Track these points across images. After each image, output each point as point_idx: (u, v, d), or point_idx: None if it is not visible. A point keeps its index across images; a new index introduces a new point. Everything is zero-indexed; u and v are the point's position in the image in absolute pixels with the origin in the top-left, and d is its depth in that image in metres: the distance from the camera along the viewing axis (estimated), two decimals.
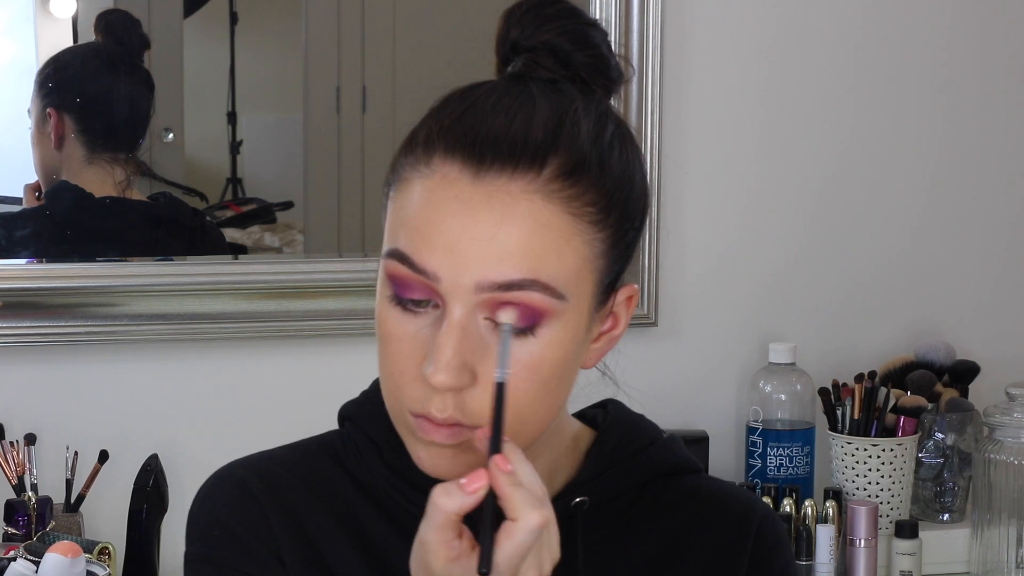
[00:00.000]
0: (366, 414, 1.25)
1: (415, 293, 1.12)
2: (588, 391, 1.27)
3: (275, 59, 2.46)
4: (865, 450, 2.37)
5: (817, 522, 2.28)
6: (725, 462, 2.46)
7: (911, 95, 2.55)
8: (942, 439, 2.43)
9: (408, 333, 1.12)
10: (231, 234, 2.38)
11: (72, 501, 2.14)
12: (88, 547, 1.99)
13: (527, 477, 1.06)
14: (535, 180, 1.10)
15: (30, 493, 2.08)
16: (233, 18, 2.39)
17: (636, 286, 1.22)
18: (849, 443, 2.38)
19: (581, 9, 1.19)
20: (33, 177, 2.27)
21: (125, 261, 2.27)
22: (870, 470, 2.37)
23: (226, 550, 1.21)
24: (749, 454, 2.42)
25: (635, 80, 2.37)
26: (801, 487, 2.35)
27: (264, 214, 2.40)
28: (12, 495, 2.09)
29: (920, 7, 2.54)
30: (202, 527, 1.24)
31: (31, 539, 2.00)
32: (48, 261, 2.25)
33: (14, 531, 2.04)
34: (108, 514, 2.17)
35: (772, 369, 2.43)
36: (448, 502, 1.05)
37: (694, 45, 2.44)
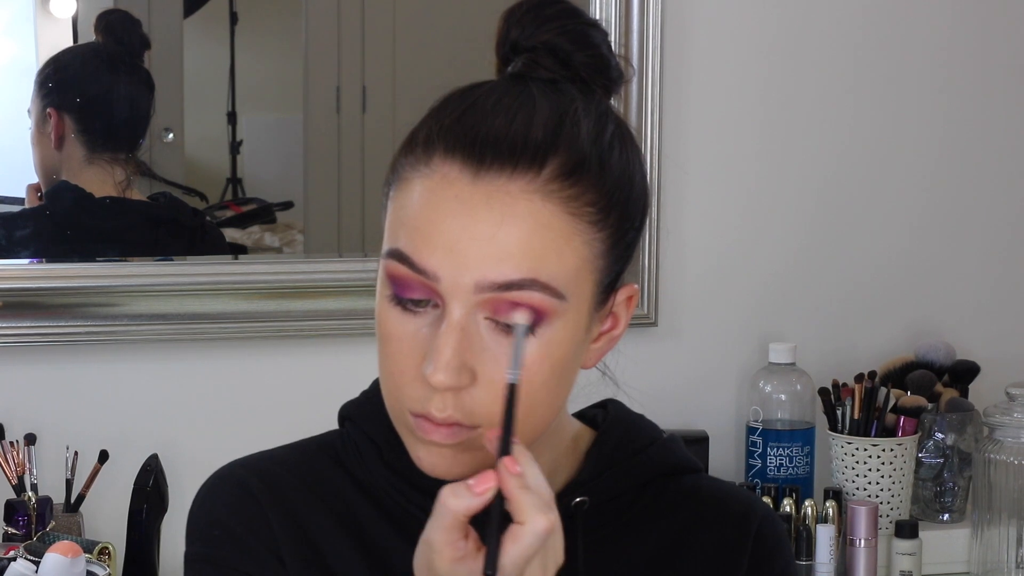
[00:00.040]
0: (366, 414, 1.25)
1: (415, 293, 1.12)
2: (588, 391, 1.27)
3: (275, 59, 2.46)
4: (865, 450, 2.37)
5: (817, 522, 2.28)
6: (725, 462, 2.46)
7: (911, 95, 2.55)
8: (942, 439, 2.43)
9: (408, 333, 1.12)
10: (231, 234, 2.38)
11: (72, 501, 2.14)
12: (88, 547, 1.99)
13: (535, 480, 1.06)
14: (535, 180, 1.10)
15: (30, 493, 2.08)
16: (233, 18, 2.39)
17: (636, 286, 1.22)
18: (849, 443, 2.38)
19: (581, 9, 1.19)
20: (34, 177, 2.27)
21: (125, 261, 2.27)
22: (870, 470, 2.37)
23: (226, 550, 1.21)
24: (749, 454, 2.42)
25: (635, 80, 2.37)
26: (801, 487, 2.35)
27: (264, 214, 2.40)
28: (12, 495, 2.09)
29: (920, 7, 2.54)
30: (202, 527, 1.24)
31: (31, 539, 2.00)
32: (48, 261, 2.25)
33: (14, 531, 2.04)
34: (108, 514, 2.17)
35: (772, 369, 2.43)
36: (456, 503, 1.05)
37: (694, 45, 2.44)
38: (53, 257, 2.26)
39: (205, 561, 1.22)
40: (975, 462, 2.41)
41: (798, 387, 2.42)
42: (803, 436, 2.41)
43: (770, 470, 2.39)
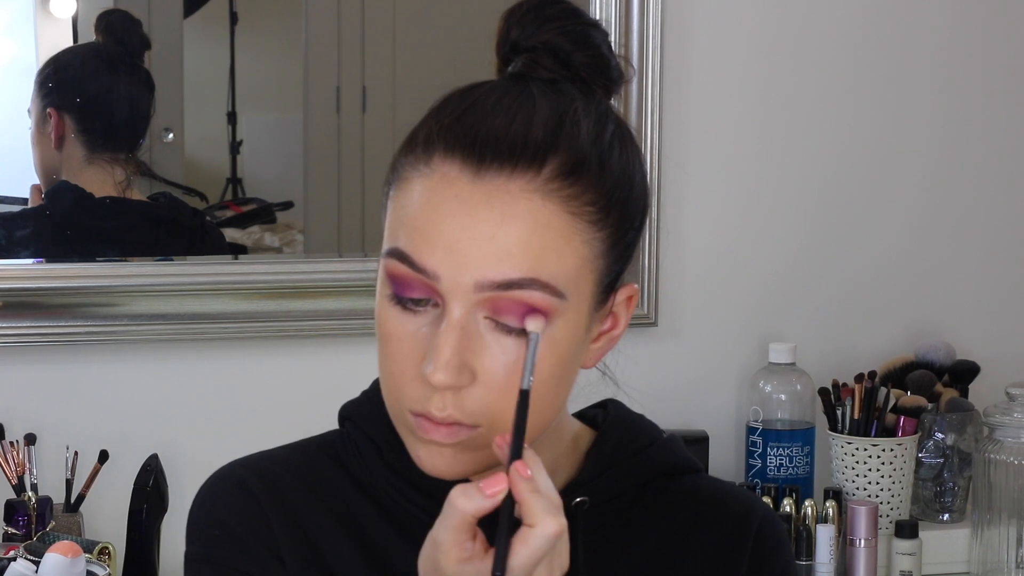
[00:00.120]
0: (366, 414, 1.25)
1: (415, 292, 1.12)
2: (588, 391, 1.27)
3: (275, 59, 2.46)
4: (865, 450, 2.37)
5: (817, 522, 2.28)
6: (725, 462, 2.46)
7: (911, 95, 2.55)
8: (942, 439, 2.43)
9: (408, 332, 1.12)
10: (231, 234, 2.38)
11: (72, 501, 2.14)
12: (88, 547, 1.99)
13: (545, 484, 1.06)
14: (535, 179, 1.10)
15: (30, 493, 2.08)
16: (233, 18, 2.39)
17: (636, 286, 1.22)
18: (849, 443, 2.38)
19: (581, 9, 1.19)
20: (34, 177, 2.27)
21: (125, 261, 2.27)
22: (870, 470, 2.37)
23: (226, 550, 1.21)
24: (749, 454, 2.42)
25: (635, 80, 2.37)
26: (801, 487, 2.35)
27: (264, 214, 2.40)
28: (12, 495, 2.09)
29: (920, 7, 2.54)
30: (202, 527, 1.24)
31: (31, 539, 2.00)
32: (48, 261, 2.25)
33: (14, 531, 2.04)
34: (108, 514, 2.17)
35: (772, 369, 2.43)
36: (466, 503, 1.05)
37: (694, 45, 2.44)
38: (53, 257, 2.26)
39: (205, 561, 1.22)
40: (975, 462, 2.41)
41: (798, 387, 2.42)
42: (803, 436, 2.41)
43: (770, 470, 2.39)
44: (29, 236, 2.25)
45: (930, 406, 2.42)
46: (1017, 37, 2.59)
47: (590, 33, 1.17)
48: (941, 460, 2.44)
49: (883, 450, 2.37)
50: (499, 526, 1.05)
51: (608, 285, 1.16)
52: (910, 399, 2.40)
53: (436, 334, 1.10)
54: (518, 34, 1.16)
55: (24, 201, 2.27)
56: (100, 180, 2.28)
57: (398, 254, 1.12)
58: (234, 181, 2.42)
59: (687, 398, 2.47)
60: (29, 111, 2.25)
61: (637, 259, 2.33)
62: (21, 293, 2.20)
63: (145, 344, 2.25)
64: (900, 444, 2.37)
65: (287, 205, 2.42)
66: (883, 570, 2.33)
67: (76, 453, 2.15)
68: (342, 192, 2.41)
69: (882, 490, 2.37)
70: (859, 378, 2.38)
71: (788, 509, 2.27)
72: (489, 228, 1.09)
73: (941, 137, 2.57)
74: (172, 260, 2.29)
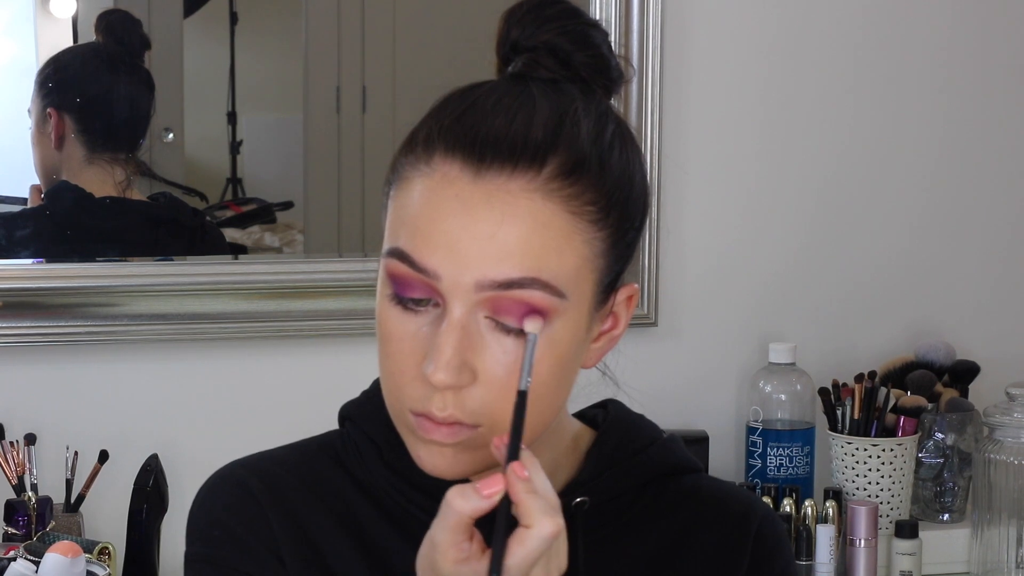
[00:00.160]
0: (366, 414, 1.25)
1: (415, 292, 1.12)
2: (588, 391, 1.27)
3: (275, 59, 2.46)
4: (865, 450, 2.37)
5: (817, 522, 2.28)
6: (725, 462, 2.46)
7: (911, 95, 2.55)
8: (942, 439, 2.43)
9: (408, 332, 1.12)
10: (231, 234, 2.38)
11: (72, 501, 2.14)
12: (88, 547, 1.99)
13: (542, 485, 1.06)
14: (535, 179, 1.10)
15: (30, 493, 2.08)
16: (233, 18, 2.39)
17: (636, 286, 1.22)
18: (849, 443, 2.38)
19: (581, 9, 1.19)
20: (34, 177, 2.27)
21: (125, 261, 2.27)
22: (870, 470, 2.37)
23: (226, 550, 1.21)
24: (749, 454, 2.42)
25: (635, 80, 2.37)
26: (801, 487, 2.35)
27: (264, 214, 2.40)
28: (12, 495, 2.09)
29: (920, 7, 2.54)
30: (202, 527, 1.24)
31: (31, 539, 2.00)
32: (48, 261, 2.25)
33: (14, 531, 2.04)
34: (108, 514, 2.17)
35: (772, 369, 2.43)
36: (463, 504, 1.05)
37: (694, 45, 2.44)
38: (53, 257, 2.26)
39: (205, 561, 1.22)
40: (975, 462, 2.41)
41: (798, 387, 2.42)
42: (803, 436, 2.41)
43: (770, 470, 2.39)
44: (29, 236, 2.25)
45: (930, 406, 2.42)
46: (1017, 37, 2.59)
47: (590, 33, 1.17)
48: (941, 460, 2.44)
49: (883, 450, 2.37)
50: (495, 527, 1.05)
51: (608, 285, 1.16)
52: (910, 399, 2.40)
53: (437, 334, 1.10)
54: (518, 34, 1.16)
55: (24, 201, 2.27)
56: (100, 180, 2.28)
57: (399, 254, 1.12)
58: (234, 181, 2.42)
59: (687, 398, 2.47)
60: (29, 111, 2.25)
61: (637, 259, 2.33)
62: (21, 293, 2.20)
63: (145, 344, 2.25)
64: (900, 444, 2.37)
65: (287, 205, 2.42)
66: (883, 570, 2.33)
67: (76, 453, 2.15)
68: (342, 192, 2.41)
69: (882, 490, 2.37)
70: (859, 378, 2.38)
71: (788, 509, 2.27)
72: (489, 227, 1.09)
73: (941, 137, 2.57)
74: (172, 260, 2.29)
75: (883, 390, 2.39)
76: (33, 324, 2.20)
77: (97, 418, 2.23)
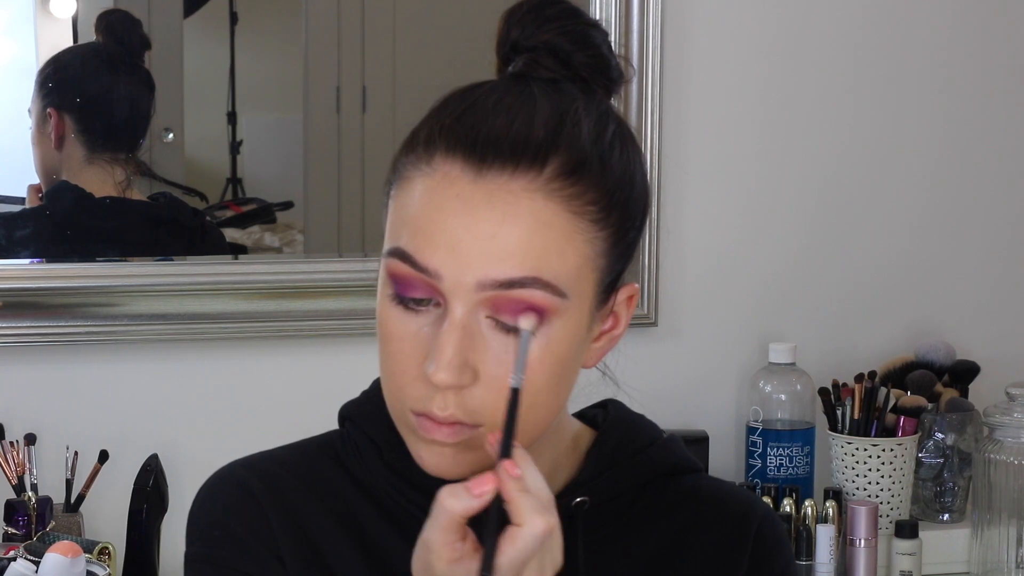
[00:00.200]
0: (366, 414, 1.25)
1: (416, 292, 1.12)
2: (588, 391, 1.27)
3: (275, 59, 2.46)
4: (865, 450, 2.37)
5: (817, 522, 2.28)
6: (725, 462, 2.46)
7: (911, 95, 2.55)
8: (942, 439, 2.43)
9: (409, 332, 1.12)
10: (231, 234, 2.38)
11: (72, 501, 2.14)
12: (88, 547, 1.99)
13: (534, 483, 1.06)
14: (536, 179, 1.10)
15: (30, 493, 2.08)
16: (233, 18, 2.39)
17: (636, 285, 1.22)
18: (849, 443, 2.38)
19: (581, 9, 1.19)
20: (34, 177, 2.27)
21: (125, 261, 2.27)
22: (870, 470, 2.37)
23: (226, 550, 1.21)
24: (749, 454, 2.42)
25: (635, 80, 2.37)
26: (801, 487, 2.35)
27: (264, 214, 2.40)
28: (12, 495, 2.09)
29: (920, 7, 2.54)
30: (202, 527, 1.24)
31: (31, 539, 2.00)
32: (48, 261, 2.25)
33: (14, 531, 2.04)
34: (108, 514, 2.17)
35: (772, 369, 2.43)
36: (455, 504, 1.05)
37: (694, 45, 2.44)
38: (53, 257, 2.26)
39: (205, 561, 1.22)
40: (975, 462, 2.41)
41: (798, 387, 2.42)
42: (803, 436, 2.41)
43: (770, 470, 2.39)
44: (29, 236, 2.25)
45: (930, 406, 2.42)
46: (1017, 37, 2.59)
47: (590, 33, 1.17)
48: (941, 460, 2.44)
49: (883, 450, 2.37)
50: (486, 526, 1.04)
51: (609, 284, 1.16)
52: (910, 399, 2.40)
53: (438, 333, 1.10)
54: (518, 34, 1.17)
55: (24, 201, 2.27)
56: (100, 180, 2.28)
57: (400, 254, 1.12)
58: (234, 181, 2.42)
59: (687, 398, 2.47)
60: (29, 111, 2.25)
61: (637, 259, 2.33)
62: (21, 293, 2.20)
63: (145, 344, 2.25)
64: (900, 444, 2.37)
65: (287, 205, 2.42)
66: (883, 570, 2.33)
67: (76, 453, 2.15)
68: (342, 192, 2.41)
69: (882, 490, 2.37)
70: (859, 378, 2.38)
71: (788, 509, 2.27)
72: (491, 227, 1.09)
73: (941, 137, 2.57)
74: (172, 260, 2.29)
75: (883, 390, 2.39)
76: (33, 324, 2.20)
77: (97, 418, 2.23)
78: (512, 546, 1.04)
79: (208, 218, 2.37)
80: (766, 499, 2.25)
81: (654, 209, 2.38)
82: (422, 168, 1.12)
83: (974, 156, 2.59)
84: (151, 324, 2.24)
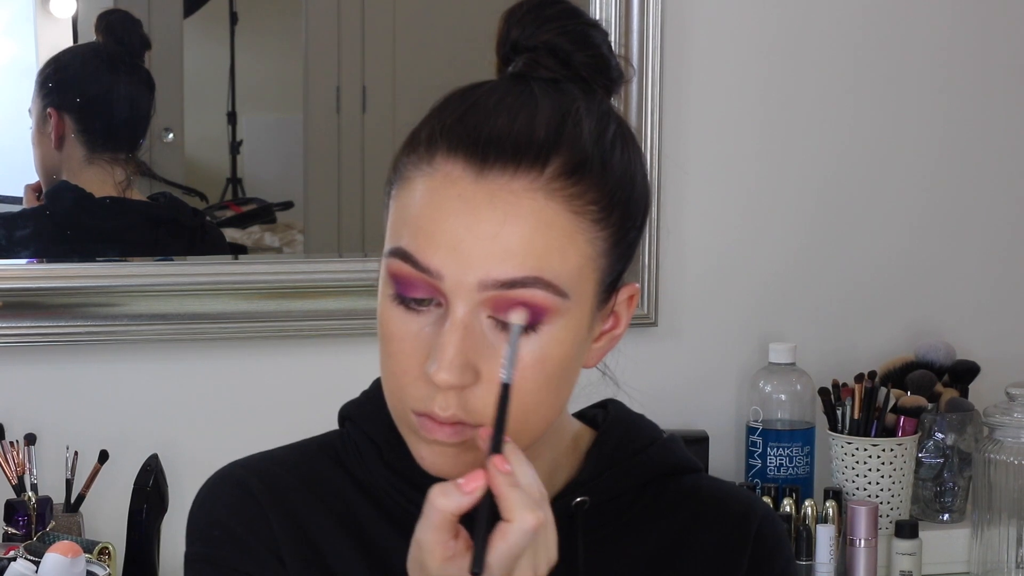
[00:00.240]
0: (366, 414, 1.25)
1: (418, 292, 1.12)
2: (588, 391, 1.27)
3: (275, 59, 2.46)
4: (865, 450, 2.37)
5: (817, 522, 2.28)
6: (725, 462, 2.46)
7: (911, 95, 2.55)
8: (942, 439, 2.43)
9: (411, 332, 1.12)
10: (231, 234, 2.38)
11: (72, 501, 2.14)
12: (88, 547, 1.99)
13: (525, 478, 1.06)
14: (538, 179, 1.10)
15: (30, 493, 2.08)
16: (233, 18, 2.39)
17: (637, 285, 1.22)
18: (849, 443, 2.38)
19: (581, 9, 1.19)
20: (33, 177, 2.27)
21: (125, 261, 2.27)
22: (870, 470, 2.37)
23: (226, 550, 1.21)
24: (749, 454, 2.42)
25: (635, 80, 2.37)
26: (801, 487, 2.35)
27: (264, 214, 2.40)
28: (12, 495, 2.09)
29: (920, 7, 2.54)
30: (202, 527, 1.24)
31: (31, 539, 2.00)
32: (48, 261, 2.25)
33: (14, 531, 2.04)
34: (108, 514, 2.17)
35: (772, 369, 2.43)
36: (445, 502, 1.05)
37: (694, 45, 2.44)
38: (53, 257, 2.26)
39: (205, 561, 1.22)
40: (975, 462, 2.41)
41: (798, 387, 2.42)
42: (803, 436, 2.41)
43: (770, 470, 2.39)
44: (29, 236, 2.25)
45: (930, 406, 2.42)
46: (1017, 37, 2.59)
47: (590, 33, 1.17)
48: (941, 460, 2.44)
49: (883, 450, 2.37)
50: (477, 523, 1.04)
51: (610, 284, 1.16)
52: (910, 399, 2.40)
53: (440, 333, 1.10)
54: (518, 34, 1.17)
55: (23, 201, 2.27)
56: (100, 180, 2.28)
57: (401, 254, 1.12)
58: (234, 181, 2.42)
59: (687, 398, 2.47)
60: (29, 111, 2.25)
61: (637, 259, 2.33)
62: (21, 293, 2.20)
63: (145, 344, 2.25)
64: (900, 444, 2.37)
65: (287, 205, 2.42)
66: (883, 570, 2.33)
67: (76, 453, 2.15)
68: (342, 192, 2.41)
69: (882, 490, 2.37)
70: (859, 378, 2.38)
71: (788, 509, 2.27)
72: (492, 227, 1.09)
73: (941, 137, 2.57)
74: (172, 260, 2.29)
75: (883, 390, 2.39)
76: (33, 324, 2.20)
77: (97, 418, 2.23)
78: (503, 542, 1.04)
79: (208, 218, 2.37)
80: (766, 499, 2.25)
81: (654, 209, 2.38)
82: (423, 168, 1.12)
83: (974, 156, 2.59)
84: (151, 324, 2.24)
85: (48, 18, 2.26)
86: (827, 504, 2.30)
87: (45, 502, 2.07)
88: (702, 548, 1.26)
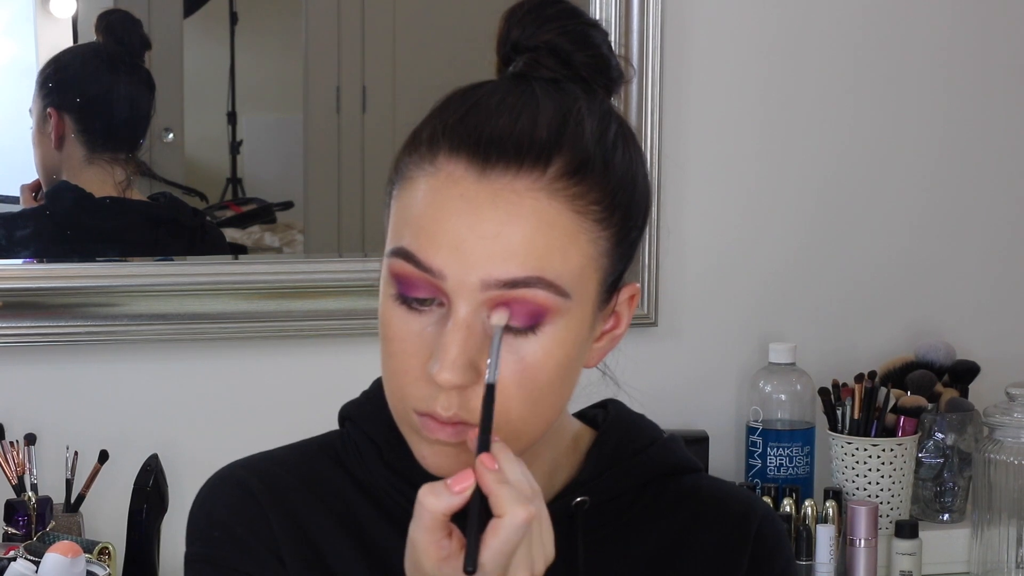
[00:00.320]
0: (366, 414, 1.25)
1: (420, 292, 1.12)
2: (588, 391, 1.27)
3: (275, 59, 2.46)
4: (865, 450, 2.37)
5: (817, 522, 2.28)
6: (725, 462, 2.46)
7: (911, 95, 2.55)
8: (942, 439, 2.43)
9: (412, 332, 1.12)
10: (231, 234, 2.38)
11: (72, 501, 2.14)
12: (88, 547, 1.99)
13: (515, 475, 1.06)
14: (540, 179, 1.10)
15: (30, 493, 2.08)
16: (233, 18, 2.39)
17: (638, 285, 1.22)
18: (849, 443, 2.38)
19: (581, 10, 1.19)
20: (33, 177, 2.27)
21: (125, 261, 2.27)
22: (870, 470, 2.37)
23: (226, 551, 1.21)
24: (749, 454, 2.42)
25: (635, 80, 2.37)
26: (801, 487, 2.35)
27: (264, 214, 2.40)
28: (12, 495, 2.09)
29: (920, 7, 2.54)
30: (202, 528, 1.24)
31: (31, 539, 2.00)
32: (48, 261, 2.25)
33: (14, 531, 2.04)
34: (108, 514, 2.17)
35: (772, 369, 2.43)
36: (435, 502, 1.05)
37: (694, 45, 2.44)
38: (53, 257, 2.26)
39: (205, 562, 1.22)
40: (975, 462, 2.41)
41: (798, 387, 2.42)
42: (803, 436, 2.41)
43: (770, 470, 2.39)
44: (29, 236, 2.25)
45: (930, 406, 2.42)
46: (1017, 37, 2.59)
47: (590, 33, 1.17)
48: (941, 460, 2.44)
49: (883, 450, 2.37)
50: (468, 521, 1.04)
51: (611, 284, 1.16)
52: (910, 399, 2.40)
53: (442, 333, 1.10)
54: (519, 34, 1.17)
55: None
56: (100, 180, 2.28)
57: (403, 253, 1.12)
58: (234, 181, 2.42)
59: (687, 398, 2.47)
60: (30, 111, 2.25)
61: (638, 259, 2.33)
62: (21, 293, 2.20)
63: (145, 344, 2.25)
64: (900, 444, 2.37)
65: (287, 205, 2.42)
66: (883, 570, 2.33)
67: (76, 453, 2.15)
68: (342, 192, 2.41)
69: (882, 490, 2.37)
70: (859, 378, 2.38)
71: (788, 509, 2.27)
72: (495, 227, 1.09)
73: (941, 137, 2.57)
74: (172, 260, 2.29)
75: (883, 390, 2.39)
76: (33, 324, 2.20)
77: (97, 418, 2.23)
78: (495, 538, 1.04)
79: (208, 218, 2.37)
80: (766, 499, 2.25)
81: (654, 209, 2.36)
82: (425, 168, 1.12)
83: (974, 156, 2.59)
84: (151, 324, 2.24)
85: (48, 18, 2.26)
86: (827, 504, 2.30)
87: (45, 502, 2.07)
88: (702, 548, 1.26)
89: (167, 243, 2.31)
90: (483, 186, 1.10)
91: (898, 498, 2.38)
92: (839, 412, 2.40)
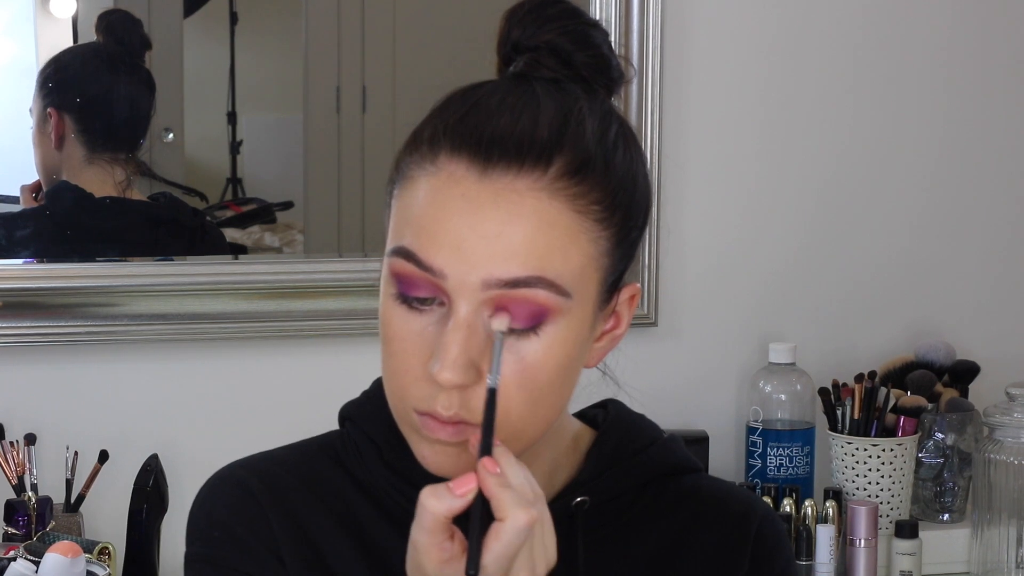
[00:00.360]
0: (366, 414, 1.25)
1: (421, 291, 1.12)
2: (588, 391, 1.27)
3: (275, 59, 2.46)
4: (865, 450, 2.37)
5: (817, 522, 2.28)
6: (725, 462, 2.46)
7: (911, 95, 2.55)
8: (942, 439, 2.43)
9: (413, 331, 1.12)
10: (231, 234, 2.38)
11: (72, 501, 2.14)
12: (88, 547, 1.99)
13: (517, 479, 1.06)
14: (541, 178, 1.10)
15: (30, 493, 2.08)
16: (233, 18, 2.39)
17: (638, 285, 1.22)
18: (849, 443, 2.38)
19: (582, 10, 1.19)
20: (33, 177, 2.27)
21: (125, 261, 2.27)
22: (870, 470, 2.37)
23: (226, 551, 1.21)
24: (749, 454, 2.42)
25: (635, 80, 2.37)
26: (801, 487, 2.35)
27: (264, 214, 2.40)
28: (12, 495, 2.09)
29: (920, 7, 2.54)
30: (202, 528, 1.24)
31: (31, 539, 2.00)
32: (48, 261, 2.25)
33: (14, 531, 2.04)
34: (108, 514, 2.17)
35: (772, 369, 2.43)
36: (437, 504, 1.05)
37: (694, 45, 2.44)
38: (53, 257, 2.26)
39: (205, 562, 1.22)
40: (975, 462, 2.41)
41: (798, 387, 2.42)
42: (803, 436, 2.41)
43: (770, 470, 2.39)
44: (29, 236, 2.25)
45: (930, 406, 2.42)
46: (1017, 37, 2.59)
47: (590, 33, 1.18)
48: (941, 460, 2.44)
49: (883, 450, 2.37)
50: (470, 524, 1.04)
51: (612, 284, 1.16)
52: (910, 399, 2.40)
53: (443, 333, 1.10)
54: (519, 34, 1.17)
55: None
56: (100, 180, 2.28)
57: (404, 253, 1.12)
58: (234, 181, 2.42)
59: (687, 398, 2.47)
60: (30, 111, 2.25)
61: (638, 259, 2.33)
62: (21, 293, 2.20)
63: (145, 344, 2.25)
64: (900, 444, 2.37)
65: (287, 205, 2.42)
66: (883, 570, 2.33)
67: (76, 453, 2.15)
68: (342, 192, 2.41)
69: (882, 490, 2.37)
70: (859, 378, 2.38)
71: (788, 509, 2.27)
72: (496, 226, 1.09)
73: (941, 137, 2.57)
74: (172, 260, 2.29)
75: (883, 390, 2.39)
76: (33, 324, 2.20)
77: (97, 418, 2.23)
78: (497, 541, 1.04)
79: (208, 218, 2.37)
80: (766, 499, 2.25)
81: (654, 209, 2.37)
82: (426, 167, 1.12)
83: (974, 156, 2.59)
84: (151, 324, 2.24)
85: (48, 18, 2.26)
86: (827, 504, 2.30)
87: (45, 502, 2.07)
88: (702, 548, 1.26)
89: (167, 243, 2.31)
90: (484, 186, 1.10)
91: (898, 498, 2.38)
92: (839, 412, 2.40)
